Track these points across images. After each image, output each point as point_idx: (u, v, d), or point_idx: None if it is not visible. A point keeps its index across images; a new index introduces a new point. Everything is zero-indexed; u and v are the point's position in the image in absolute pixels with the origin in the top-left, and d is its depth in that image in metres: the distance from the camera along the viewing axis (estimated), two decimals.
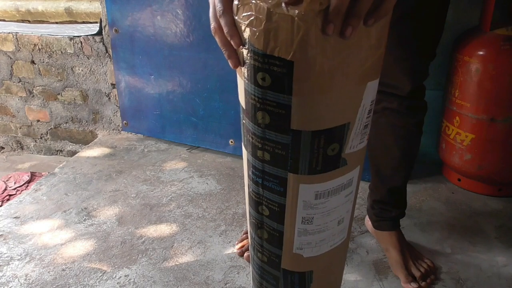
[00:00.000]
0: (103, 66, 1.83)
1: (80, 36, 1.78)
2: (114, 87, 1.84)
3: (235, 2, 0.51)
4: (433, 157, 1.53)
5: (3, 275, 1.08)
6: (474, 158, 1.36)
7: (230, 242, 1.19)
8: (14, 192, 1.62)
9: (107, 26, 1.71)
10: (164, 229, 1.25)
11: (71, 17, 1.86)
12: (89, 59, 1.83)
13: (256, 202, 0.64)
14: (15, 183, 1.68)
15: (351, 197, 0.64)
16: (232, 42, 0.52)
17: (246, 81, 0.54)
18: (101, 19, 1.74)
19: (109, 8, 1.65)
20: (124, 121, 1.83)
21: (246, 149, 0.62)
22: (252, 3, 0.49)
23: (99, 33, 1.76)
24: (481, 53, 1.26)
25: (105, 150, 1.77)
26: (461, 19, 1.40)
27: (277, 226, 0.63)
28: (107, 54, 1.79)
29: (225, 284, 1.04)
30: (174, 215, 1.32)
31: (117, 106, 1.88)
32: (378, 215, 1.11)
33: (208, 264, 1.11)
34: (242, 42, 0.52)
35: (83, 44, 1.79)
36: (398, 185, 1.08)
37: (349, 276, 1.06)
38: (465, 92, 1.32)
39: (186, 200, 1.40)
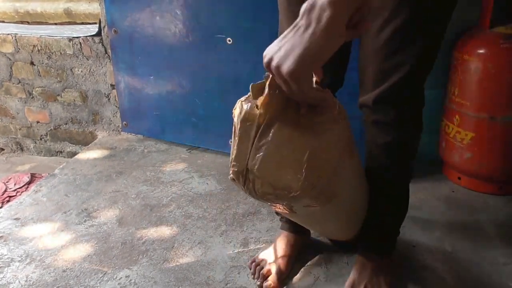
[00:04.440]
0: (102, 67, 1.82)
1: (80, 37, 1.78)
2: (113, 88, 1.84)
3: None
4: (433, 156, 1.53)
5: (3, 277, 1.07)
6: (474, 157, 1.36)
7: (230, 242, 1.19)
8: (14, 193, 1.62)
9: (106, 26, 1.71)
10: (164, 230, 1.25)
11: (70, 18, 1.86)
12: (88, 60, 1.83)
13: None
14: (15, 184, 1.67)
15: None
16: None
17: None
18: (100, 20, 1.74)
19: (108, 9, 1.64)
20: (124, 122, 1.83)
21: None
22: None
23: (98, 34, 1.76)
24: (480, 51, 1.26)
25: (105, 151, 1.77)
26: (461, 18, 1.39)
27: None
28: (107, 55, 1.79)
29: (226, 284, 1.04)
30: (174, 216, 1.32)
31: (116, 106, 1.88)
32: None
33: (209, 265, 1.11)
34: None
35: (82, 45, 1.79)
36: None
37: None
38: (465, 91, 1.32)
39: (186, 200, 1.40)
